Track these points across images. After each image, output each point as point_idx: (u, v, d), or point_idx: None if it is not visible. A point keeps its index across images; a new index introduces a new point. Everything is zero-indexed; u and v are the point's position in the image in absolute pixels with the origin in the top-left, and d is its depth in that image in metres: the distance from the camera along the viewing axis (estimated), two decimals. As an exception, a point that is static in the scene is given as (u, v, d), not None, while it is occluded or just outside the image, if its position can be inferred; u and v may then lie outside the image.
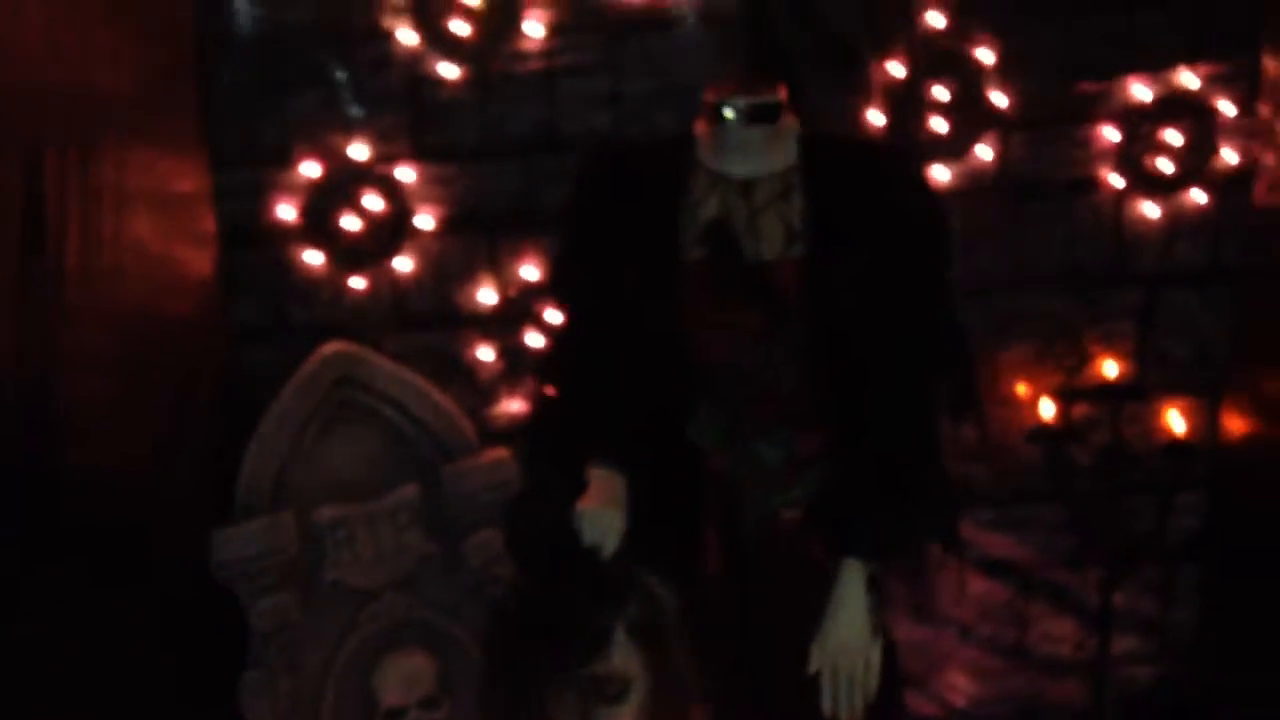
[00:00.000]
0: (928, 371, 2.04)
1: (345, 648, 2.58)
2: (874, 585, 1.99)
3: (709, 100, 1.99)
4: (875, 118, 2.69)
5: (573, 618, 1.81)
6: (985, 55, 2.70)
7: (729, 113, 1.95)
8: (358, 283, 2.67)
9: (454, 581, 2.65)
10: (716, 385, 2.00)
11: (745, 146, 1.97)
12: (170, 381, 2.34)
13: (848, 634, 1.95)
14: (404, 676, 2.60)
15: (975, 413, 2.36)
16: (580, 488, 1.95)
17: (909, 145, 2.64)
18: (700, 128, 2.02)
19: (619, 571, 1.87)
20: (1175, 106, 2.77)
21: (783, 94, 2.00)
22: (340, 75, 2.54)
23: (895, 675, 2.10)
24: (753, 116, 1.95)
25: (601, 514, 1.89)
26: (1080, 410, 2.98)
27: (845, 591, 1.96)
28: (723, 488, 2.05)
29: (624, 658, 1.81)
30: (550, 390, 2.16)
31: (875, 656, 1.97)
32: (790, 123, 2.00)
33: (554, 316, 2.73)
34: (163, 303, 2.34)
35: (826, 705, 1.96)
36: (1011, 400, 2.97)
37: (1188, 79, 2.76)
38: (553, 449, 2.08)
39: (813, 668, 1.97)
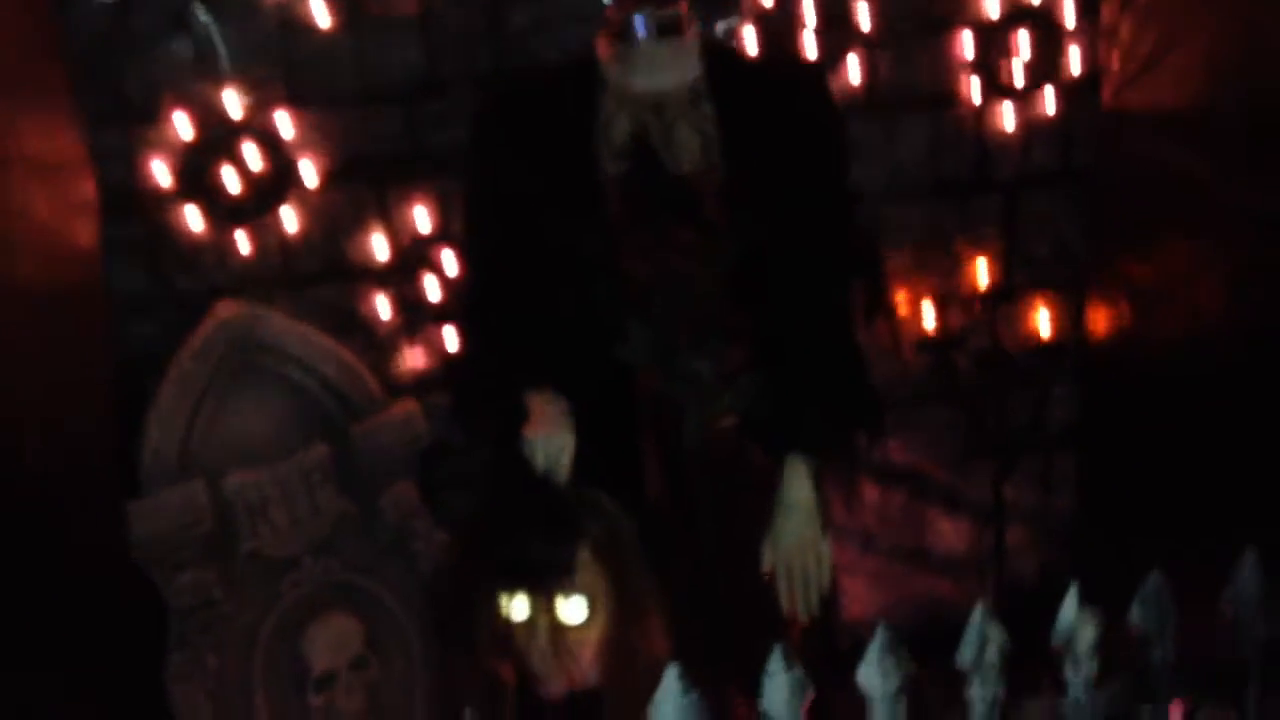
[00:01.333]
0: (843, 273, 2.08)
1: (270, 618, 2.47)
2: (817, 482, 2.01)
3: (613, 16, 1.96)
4: (751, 40, 2.71)
5: (535, 547, 1.78)
6: (846, -26, 2.76)
7: (637, 26, 1.93)
8: (242, 241, 2.54)
9: (372, 540, 2.57)
10: (645, 301, 1.99)
11: (653, 60, 1.95)
12: (59, 357, 2.18)
13: (799, 530, 1.97)
14: (332, 641, 2.51)
15: (887, 311, 2.42)
16: (522, 416, 1.91)
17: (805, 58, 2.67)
18: (603, 47, 1.99)
19: (575, 494, 1.85)
20: (1022, 16, 2.88)
21: (684, 7, 1.99)
22: (207, 22, 2.40)
23: (834, 576, 2.13)
24: (660, 29, 1.94)
25: (551, 439, 1.86)
26: (958, 315, 3.08)
27: (792, 489, 1.98)
28: (657, 404, 2.04)
29: (588, 578, 1.80)
30: (475, 327, 2.11)
31: (826, 550, 2.00)
32: (694, 35, 1.99)
33: (450, 261, 2.67)
34: (47, 274, 2.18)
35: (785, 602, 1.97)
36: (895, 312, 3.05)
37: (1032, -10, 2.87)
38: (486, 382, 2.03)
39: (766, 567, 1.99)
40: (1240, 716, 1.48)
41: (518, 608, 1.78)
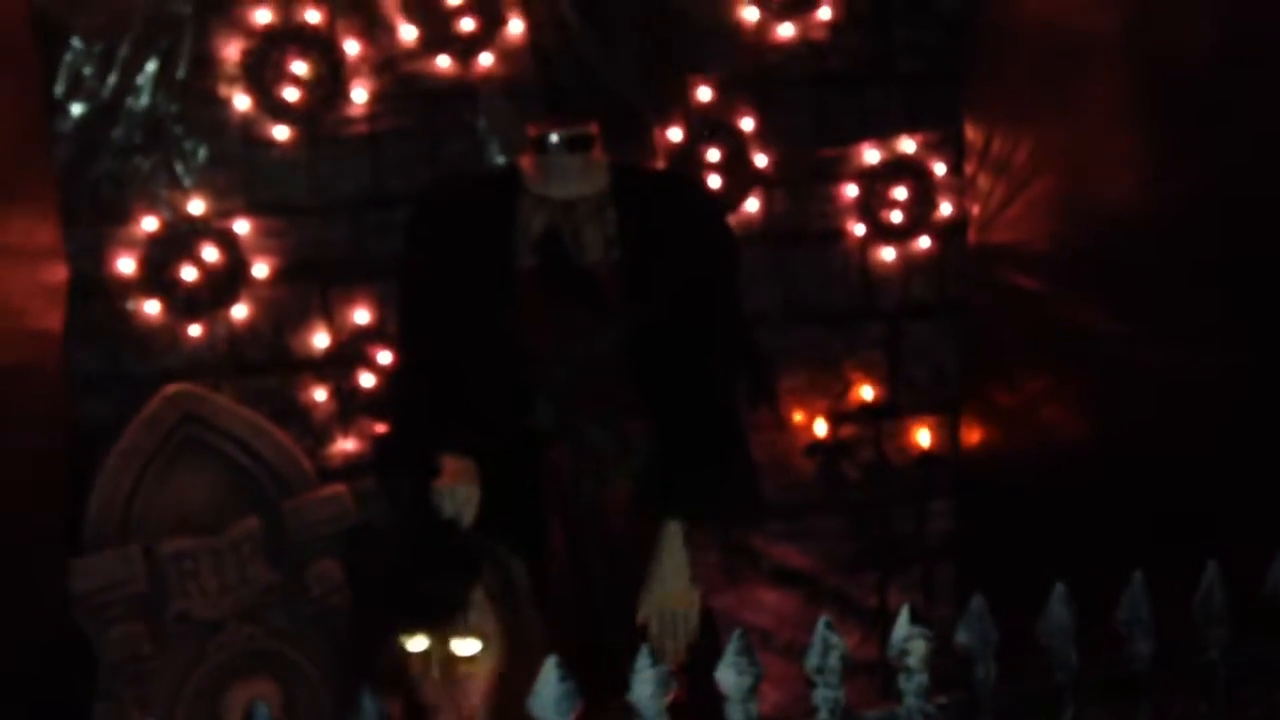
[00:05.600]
0: (727, 358, 2.29)
1: (193, 678, 2.53)
2: (689, 542, 2.16)
3: (534, 134, 2.22)
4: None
5: (434, 583, 1.90)
6: (747, 123, 3.05)
7: (553, 139, 2.18)
8: (195, 331, 2.70)
9: (296, 611, 2.65)
10: (550, 377, 2.17)
11: (565, 171, 2.20)
12: (16, 425, 2.30)
13: (670, 584, 2.11)
14: (251, 704, 2.56)
15: (769, 399, 2.62)
16: (434, 471, 2.06)
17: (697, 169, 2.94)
18: (525, 160, 2.24)
19: (476, 542, 1.98)
20: (900, 168, 3.18)
21: (595, 130, 2.24)
22: (178, 136, 2.62)
23: (713, 626, 2.26)
24: (571, 145, 2.19)
25: (457, 490, 2.01)
26: (847, 430, 3.28)
27: (666, 548, 2.13)
28: (560, 469, 2.20)
29: (480, 619, 1.91)
30: (400, 393, 2.28)
31: (695, 601, 2.14)
32: (601, 155, 2.25)
33: (385, 358, 2.83)
34: (13, 352, 2.32)
35: (656, 648, 2.09)
36: (789, 423, 3.24)
37: (908, 145, 3.18)
38: (405, 441, 2.18)
39: (640, 617, 2.12)
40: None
41: (415, 642, 1.89)
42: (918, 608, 1.59)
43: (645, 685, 1.43)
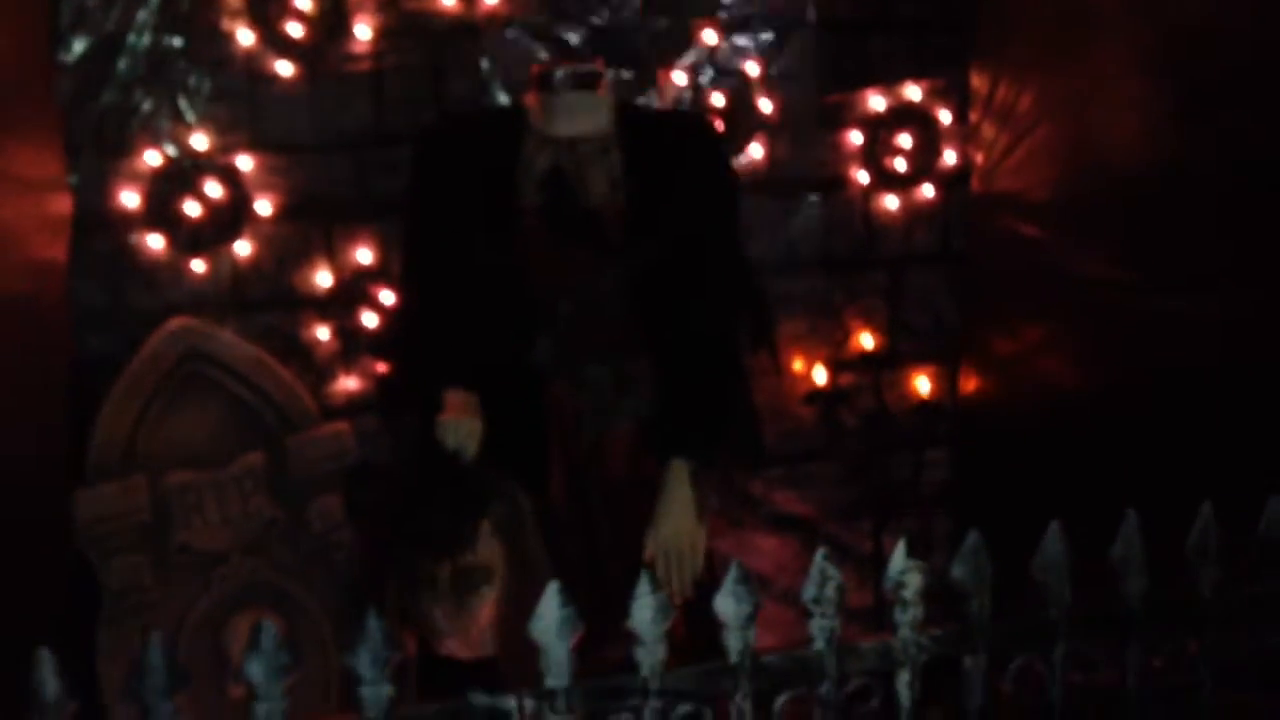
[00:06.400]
0: (729, 302, 2.29)
1: (195, 609, 2.55)
2: (695, 482, 2.18)
3: (539, 71, 2.20)
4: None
5: (441, 515, 1.92)
6: (752, 68, 3.03)
7: (559, 76, 2.16)
8: (198, 266, 2.69)
9: (298, 546, 2.67)
10: (553, 316, 2.17)
11: (570, 109, 2.18)
12: (20, 357, 2.31)
13: (676, 522, 2.13)
14: (257, 624, 2.58)
15: (769, 344, 2.62)
16: (438, 405, 2.07)
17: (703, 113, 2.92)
18: (529, 98, 2.22)
19: (480, 473, 2.00)
20: (905, 115, 3.16)
21: (600, 67, 2.23)
22: (182, 71, 2.60)
23: (714, 565, 2.28)
24: (577, 83, 2.18)
25: (461, 423, 2.02)
26: (846, 378, 3.28)
27: (671, 487, 2.14)
28: (561, 408, 2.21)
29: (487, 550, 1.93)
30: (403, 329, 2.28)
31: (700, 539, 2.16)
32: (606, 93, 2.23)
33: (387, 297, 2.83)
34: (17, 283, 2.32)
35: (662, 584, 2.11)
36: (789, 371, 3.25)
37: (913, 92, 3.16)
38: (409, 376, 2.19)
39: (647, 555, 2.14)
40: (1048, 669, 1.63)
41: (423, 571, 1.91)
42: (915, 541, 1.60)
43: (645, 610, 1.45)
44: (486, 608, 1.90)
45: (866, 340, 3.27)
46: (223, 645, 2.58)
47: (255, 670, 1.32)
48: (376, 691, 1.34)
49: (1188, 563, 1.63)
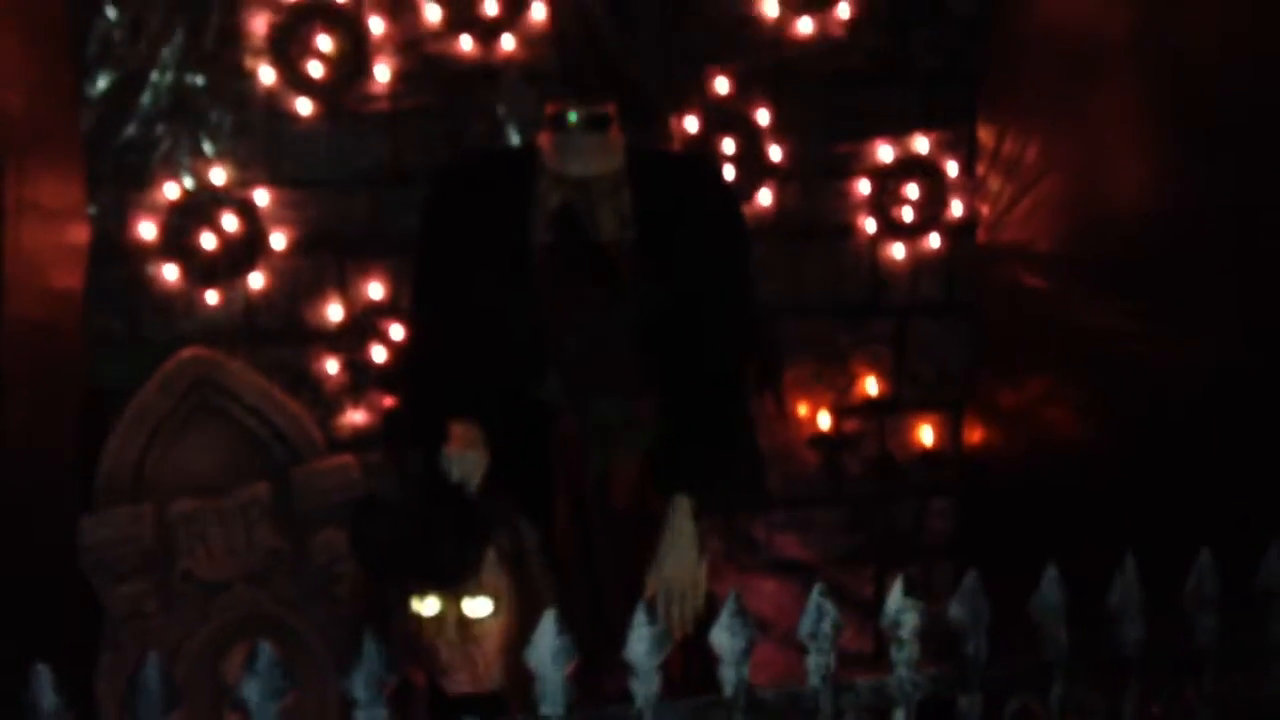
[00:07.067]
0: (736, 341, 2.30)
1: (196, 637, 2.55)
2: (698, 519, 2.18)
3: (552, 111, 2.24)
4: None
5: (445, 546, 1.92)
6: (763, 117, 3.07)
7: (571, 117, 2.20)
8: (212, 297, 2.73)
9: (300, 577, 2.67)
10: (562, 352, 2.19)
11: (582, 149, 2.21)
12: (35, 382, 2.34)
13: (678, 558, 2.13)
14: (254, 647, 2.58)
15: (775, 388, 2.64)
16: (443, 437, 2.08)
17: (712, 155, 2.96)
18: (543, 138, 2.26)
19: (485, 506, 2.00)
20: (912, 166, 3.19)
21: (612, 110, 2.26)
22: (204, 106, 2.65)
23: (714, 604, 2.28)
24: (589, 123, 2.21)
25: (466, 455, 2.03)
26: (850, 424, 3.29)
27: (674, 523, 2.14)
28: (568, 443, 2.22)
29: (492, 578, 1.93)
30: (413, 361, 2.30)
31: (701, 577, 2.15)
32: (618, 134, 2.26)
33: (397, 333, 2.86)
34: (35, 309, 2.35)
35: (662, 619, 2.11)
36: (793, 415, 3.26)
37: (921, 144, 3.19)
38: (416, 408, 2.21)
39: (648, 593, 2.14)
40: (1045, 709, 1.63)
41: (428, 605, 1.91)
42: (912, 580, 1.60)
43: (641, 642, 1.45)
44: (491, 640, 1.89)
45: (871, 387, 3.28)
46: (221, 674, 2.58)
47: (250, 692, 1.32)
48: (372, 715, 1.33)
49: (1185, 610, 1.62)
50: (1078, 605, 1.59)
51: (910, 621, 1.58)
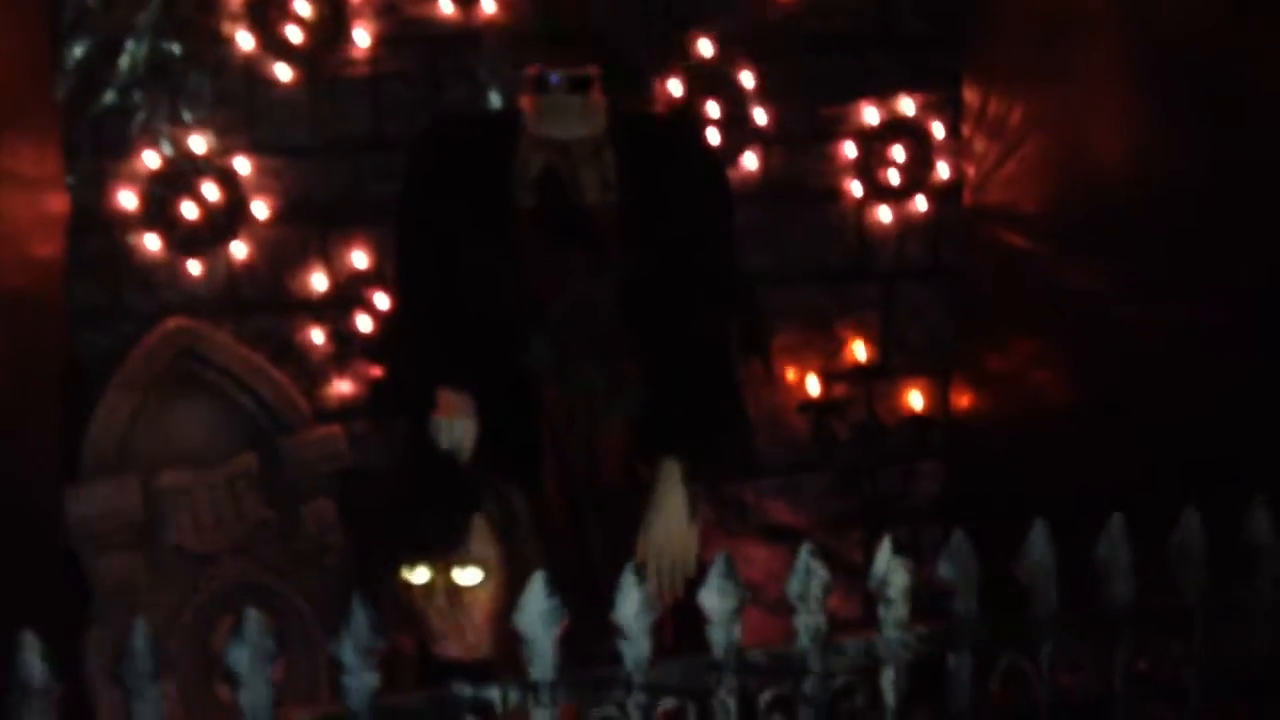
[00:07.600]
0: (722, 304, 2.29)
1: (185, 609, 2.54)
2: (687, 484, 2.18)
3: (534, 73, 2.21)
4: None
5: (434, 514, 1.92)
6: (747, 79, 3.04)
7: (553, 79, 2.17)
8: (194, 267, 2.70)
9: (289, 547, 2.66)
10: (547, 317, 2.18)
11: (564, 112, 2.19)
12: (16, 354, 2.31)
13: (668, 523, 2.12)
14: (242, 613, 2.57)
15: (762, 353, 2.63)
16: (432, 404, 2.07)
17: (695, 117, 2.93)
18: (524, 100, 2.23)
19: (475, 472, 2.00)
20: (898, 128, 3.17)
21: (594, 72, 2.24)
22: (181, 73, 2.61)
23: (703, 569, 2.27)
24: (571, 86, 2.18)
25: (455, 422, 2.02)
26: (839, 389, 3.29)
27: (664, 487, 2.14)
28: (555, 409, 2.21)
29: (481, 546, 1.92)
30: (398, 329, 2.28)
31: (692, 540, 2.15)
32: (600, 97, 2.24)
33: (382, 302, 2.84)
34: (13, 280, 2.32)
35: (651, 586, 2.11)
36: (782, 381, 3.25)
37: (907, 105, 3.17)
38: (403, 375, 2.19)
39: (639, 558, 2.13)
40: (1035, 669, 1.63)
41: (418, 573, 1.90)
42: (900, 539, 1.60)
43: (630, 604, 1.45)
44: (480, 608, 1.89)
45: (859, 352, 3.27)
46: (210, 646, 2.57)
47: (239, 659, 1.31)
48: (360, 680, 1.33)
49: (1171, 567, 1.63)
50: (1066, 565, 1.59)
51: (898, 581, 1.58)
